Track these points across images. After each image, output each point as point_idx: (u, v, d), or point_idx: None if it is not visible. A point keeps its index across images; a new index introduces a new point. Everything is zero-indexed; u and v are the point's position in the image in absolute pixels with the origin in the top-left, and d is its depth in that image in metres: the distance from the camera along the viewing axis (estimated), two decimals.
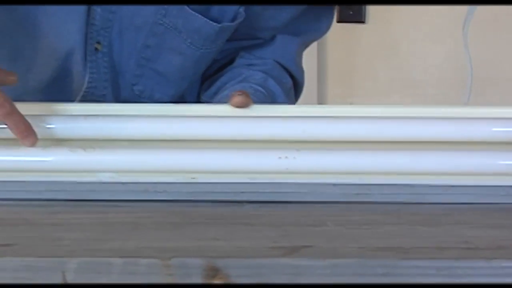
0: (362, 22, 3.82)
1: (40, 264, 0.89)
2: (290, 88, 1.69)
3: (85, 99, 1.59)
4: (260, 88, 1.56)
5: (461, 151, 1.37)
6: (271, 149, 1.33)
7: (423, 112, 1.42)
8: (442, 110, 1.41)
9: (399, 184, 1.31)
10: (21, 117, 1.26)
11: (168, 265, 0.89)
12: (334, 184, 1.30)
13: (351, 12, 3.78)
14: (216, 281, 0.88)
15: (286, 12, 1.66)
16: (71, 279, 0.89)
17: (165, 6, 1.55)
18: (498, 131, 1.39)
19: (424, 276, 0.90)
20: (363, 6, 3.71)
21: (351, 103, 3.61)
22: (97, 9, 1.53)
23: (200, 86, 1.74)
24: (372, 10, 3.75)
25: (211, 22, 1.58)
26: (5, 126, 1.27)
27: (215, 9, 1.59)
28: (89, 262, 0.90)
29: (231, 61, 1.71)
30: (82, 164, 1.31)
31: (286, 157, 1.30)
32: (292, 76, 1.71)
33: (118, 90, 1.63)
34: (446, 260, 0.92)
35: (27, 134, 1.26)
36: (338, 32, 3.55)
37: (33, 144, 1.27)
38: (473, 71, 1.92)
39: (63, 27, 1.54)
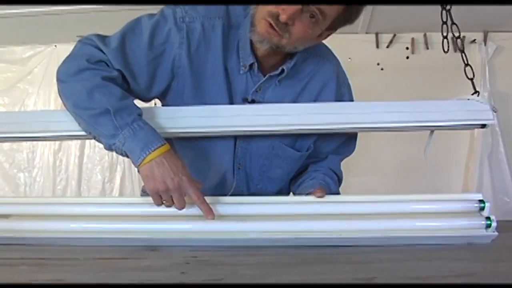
0: None
1: None
2: (336, 181, 1.69)
3: (232, 194, 1.62)
4: (322, 182, 1.58)
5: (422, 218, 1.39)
6: (337, 220, 1.37)
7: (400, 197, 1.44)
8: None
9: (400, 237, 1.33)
10: (207, 203, 1.33)
11: None
12: (372, 238, 1.32)
13: None
14: None
15: (332, 144, 1.69)
16: None
17: (273, 144, 1.59)
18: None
19: None
20: None
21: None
22: (238, 148, 1.57)
23: (290, 182, 1.74)
24: None
25: (296, 151, 1.63)
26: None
27: (298, 144, 1.63)
28: None
29: (305, 168, 1.71)
30: (242, 228, 1.34)
31: (347, 223, 1.34)
32: (337, 175, 1.71)
33: (249, 188, 1.66)
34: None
35: (211, 212, 1.32)
36: None
37: (213, 218, 1.32)
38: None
39: (222, 158, 1.58)
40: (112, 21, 3.69)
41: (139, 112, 1.35)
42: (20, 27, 3.97)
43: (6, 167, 4.38)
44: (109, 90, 1.34)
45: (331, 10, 1.35)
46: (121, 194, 4.21)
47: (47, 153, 4.32)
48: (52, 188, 4.28)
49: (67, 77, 1.37)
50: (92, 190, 4.28)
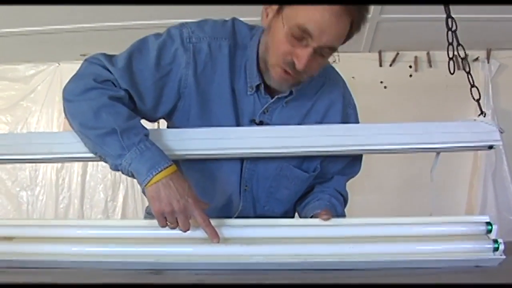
0: None
1: None
2: (342, 202, 1.68)
3: (238, 215, 1.61)
4: (328, 204, 1.58)
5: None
6: (343, 243, 1.35)
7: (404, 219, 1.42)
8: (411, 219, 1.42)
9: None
10: (213, 226, 1.32)
11: None
12: (379, 261, 1.31)
13: None
14: None
15: (338, 165, 1.68)
16: None
17: (281, 166, 1.58)
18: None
19: None
20: None
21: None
22: (245, 170, 1.56)
23: (296, 202, 1.72)
24: None
25: (304, 172, 1.62)
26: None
27: (305, 165, 1.62)
28: None
29: (311, 189, 1.70)
30: (244, 252, 1.33)
31: (352, 247, 1.33)
32: (343, 196, 1.71)
33: (256, 210, 1.64)
34: None
35: (216, 236, 1.31)
36: None
37: (218, 241, 1.31)
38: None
39: (229, 180, 1.58)
40: (115, 40, 3.70)
41: (146, 133, 1.35)
42: (23, 45, 3.99)
43: (9, 185, 4.37)
44: (116, 110, 1.33)
45: (340, 42, 1.36)
46: (124, 212, 4.21)
47: (49, 171, 4.32)
48: (55, 207, 4.29)
49: (74, 96, 1.36)
50: (95, 208, 4.28)
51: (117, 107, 1.34)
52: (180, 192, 1.29)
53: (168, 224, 1.32)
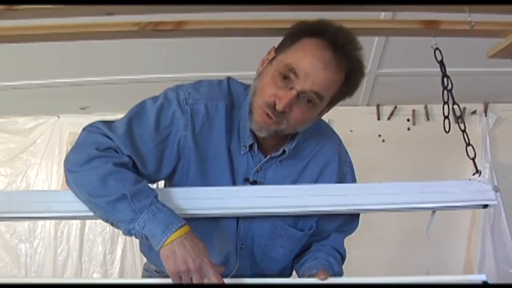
0: None
1: None
2: (340, 260, 1.67)
3: (235, 274, 1.59)
4: (325, 263, 1.57)
5: None
6: None
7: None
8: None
9: None
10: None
11: None
12: None
13: None
14: None
15: (335, 222, 1.68)
16: None
17: (275, 224, 1.58)
18: None
19: None
20: None
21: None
22: (241, 228, 1.57)
23: (293, 261, 1.71)
24: None
25: (298, 231, 1.62)
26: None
27: (300, 224, 1.62)
28: None
29: (309, 247, 1.69)
30: None
31: None
32: (340, 254, 1.70)
33: (252, 268, 1.64)
34: None
35: None
36: None
37: None
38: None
39: (225, 238, 1.57)
40: (114, 93, 3.77)
41: (155, 194, 1.35)
42: (23, 98, 4.03)
43: (7, 237, 4.35)
44: (122, 175, 1.34)
45: (328, 91, 1.39)
46: (122, 266, 4.18)
47: (48, 224, 4.30)
48: (53, 260, 4.26)
49: (77, 167, 1.37)
50: (93, 261, 4.24)
51: (123, 172, 1.35)
52: (196, 251, 1.29)
53: (182, 284, 1.31)
